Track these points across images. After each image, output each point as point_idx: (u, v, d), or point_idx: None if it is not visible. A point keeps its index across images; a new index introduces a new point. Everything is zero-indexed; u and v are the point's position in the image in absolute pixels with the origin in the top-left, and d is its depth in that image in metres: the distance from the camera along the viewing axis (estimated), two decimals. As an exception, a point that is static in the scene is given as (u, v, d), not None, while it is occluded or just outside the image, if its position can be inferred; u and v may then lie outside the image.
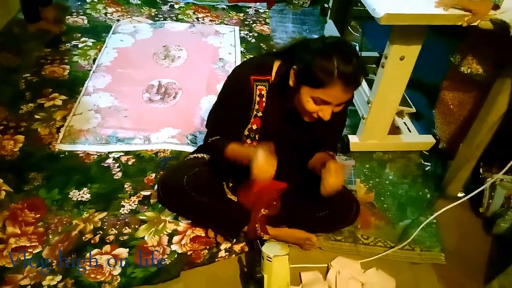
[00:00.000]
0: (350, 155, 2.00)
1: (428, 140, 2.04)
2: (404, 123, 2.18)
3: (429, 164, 2.01)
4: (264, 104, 1.32)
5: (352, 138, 1.99)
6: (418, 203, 1.81)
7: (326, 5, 2.97)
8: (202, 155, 1.58)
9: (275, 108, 1.33)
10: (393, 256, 1.60)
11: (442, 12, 1.45)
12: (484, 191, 1.70)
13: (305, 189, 1.47)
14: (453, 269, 1.58)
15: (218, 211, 1.48)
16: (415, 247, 1.64)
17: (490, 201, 1.69)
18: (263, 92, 1.32)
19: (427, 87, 2.39)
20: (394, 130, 2.12)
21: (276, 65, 1.31)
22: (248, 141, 1.39)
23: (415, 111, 2.17)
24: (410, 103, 2.18)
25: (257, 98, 1.32)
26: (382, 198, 1.82)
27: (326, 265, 1.55)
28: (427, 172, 1.97)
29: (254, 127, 1.36)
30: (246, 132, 1.37)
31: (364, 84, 1.99)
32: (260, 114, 1.34)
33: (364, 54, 2.52)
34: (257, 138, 1.38)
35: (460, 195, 1.83)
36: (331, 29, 2.63)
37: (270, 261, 1.27)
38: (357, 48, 2.69)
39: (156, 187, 1.53)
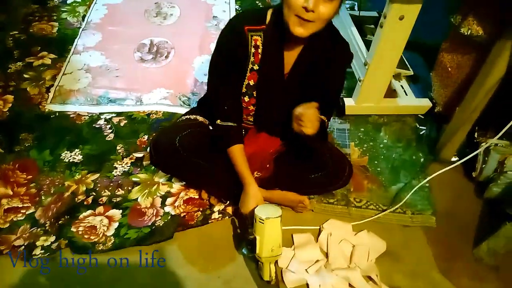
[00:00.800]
0: (345, 118, 1.98)
1: (424, 103, 2.02)
2: (401, 86, 2.14)
3: (424, 128, 2.00)
4: (260, 55, 1.29)
5: (348, 101, 1.96)
6: (412, 166, 1.81)
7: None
8: (195, 116, 1.55)
9: (272, 59, 1.30)
10: (385, 219, 1.61)
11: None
12: (478, 156, 1.70)
13: (298, 151, 1.46)
14: (443, 232, 1.61)
15: (211, 173, 1.47)
16: (406, 210, 1.65)
17: (484, 165, 1.69)
18: (258, 43, 1.28)
19: (425, 49, 2.32)
20: (391, 93, 2.08)
21: (269, 13, 1.27)
22: (246, 98, 1.36)
23: (412, 73, 2.13)
24: (408, 65, 2.13)
25: (252, 50, 1.29)
26: (376, 162, 1.82)
27: (318, 227, 1.56)
28: (422, 136, 1.96)
29: (251, 82, 1.33)
30: (244, 89, 1.35)
31: (361, 45, 1.94)
32: (256, 67, 1.31)
33: (362, 13, 2.44)
34: (254, 95, 1.35)
35: (454, 159, 1.84)
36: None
37: (263, 223, 1.27)
38: (356, 7, 2.62)
39: (148, 148, 1.51)
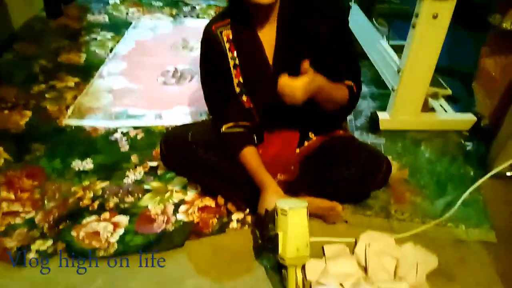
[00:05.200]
0: (380, 133, 1.81)
1: (468, 118, 1.82)
2: (440, 105, 1.97)
3: (470, 144, 1.78)
4: (235, 47, 1.22)
5: (382, 115, 1.80)
6: (460, 180, 1.58)
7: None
8: (210, 117, 1.43)
9: (247, 46, 1.21)
10: (434, 233, 1.36)
11: None
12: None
13: (328, 148, 1.29)
14: (505, 248, 1.33)
15: (227, 170, 1.31)
16: (459, 224, 1.40)
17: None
18: (230, 37, 1.21)
19: (460, 75, 2.20)
20: (429, 111, 1.91)
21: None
22: (244, 98, 1.26)
23: (451, 93, 1.97)
24: (445, 85, 1.99)
25: (227, 45, 1.22)
26: (418, 175, 1.60)
27: (354, 239, 1.33)
28: (469, 152, 1.74)
29: (241, 79, 1.24)
30: (237, 90, 1.25)
31: (392, 53, 1.83)
32: (237, 61, 1.22)
33: (392, 43, 2.37)
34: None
35: (508, 173, 1.60)
36: (358, 15, 2.50)
37: (285, 215, 1.07)
38: (385, 39, 2.55)
39: (159, 145, 1.38)
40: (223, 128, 1.28)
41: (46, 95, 1.95)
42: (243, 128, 1.29)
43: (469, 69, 1.93)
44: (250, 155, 1.27)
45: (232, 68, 1.25)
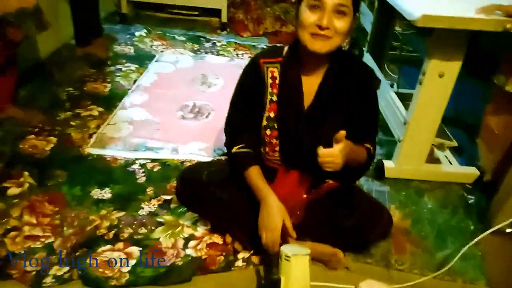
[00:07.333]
0: (384, 181, 1.88)
1: (471, 171, 1.89)
2: (445, 156, 2.04)
3: (472, 197, 1.84)
4: (278, 86, 1.29)
5: (387, 163, 1.88)
6: (460, 233, 1.63)
7: (363, 48, 3.00)
8: (225, 157, 1.52)
9: (290, 88, 1.29)
10: (431, 285, 1.41)
11: (482, 17, 1.40)
12: (537, 222, 1.52)
13: (331, 193, 1.37)
14: (501, 306, 1.38)
15: (236, 211, 1.39)
16: (456, 278, 1.45)
17: (544, 233, 1.50)
18: (276, 74, 1.29)
19: (467, 126, 2.27)
20: (434, 162, 1.98)
21: (286, 47, 1.32)
22: (268, 132, 1.34)
23: (456, 145, 2.04)
24: (451, 137, 2.06)
25: (270, 81, 1.30)
26: (419, 226, 1.66)
27: (353, 287, 1.38)
28: (470, 205, 1.79)
29: (272, 115, 1.32)
30: (264, 122, 1.33)
31: (399, 105, 1.92)
32: (275, 98, 1.30)
33: (401, 90, 2.46)
34: (276, 127, 1.32)
35: (508, 230, 1.64)
36: (369, 62, 2.61)
37: (289, 261, 1.14)
38: (395, 86, 2.65)
39: (175, 182, 1.47)
40: (234, 149, 1.37)
41: (71, 123, 2.07)
42: (251, 150, 1.37)
43: (476, 119, 1.96)
44: (255, 173, 1.34)
45: (268, 102, 1.33)
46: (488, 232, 1.50)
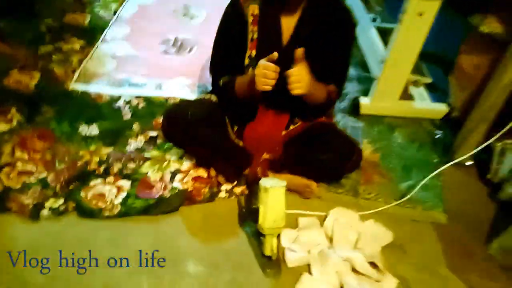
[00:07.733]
0: (359, 117, 1.98)
1: (441, 108, 2.00)
2: (419, 93, 2.13)
3: (440, 132, 1.97)
4: (258, 23, 1.33)
5: (363, 100, 1.97)
6: (424, 166, 1.78)
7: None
8: (209, 96, 1.59)
9: (269, 26, 1.33)
10: (394, 212, 1.58)
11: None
12: (493, 156, 1.67)
13: (308, 130, 1.47)
14: (453, 230, 1.55)
15: (221, 151, 1.49)
16: (416, 205, 1.62)
17: (499, 166, 1.65)
18: (256, 12, 1.33)
19: (445, 63, 2.33)
20: (408, 98, 2.08)
21: None
22: (250, 71, 1.38)
23: (431, 81, 2.12)
24: (427, 74, 2.13)
25: (251, 18, 1.33)
26: (388, 159, 1.80)
27: (324, 214, 1.54)
28: (437, 140, 1.93)
29: (253, 53, 1.36)
30: (246, 61, 1.38)
31: (378, 43, 1.96)
32: (256, 35, 1.34)
33: (385, 25, 2.48)
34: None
35: (468, 163, 1.80)
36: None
37: (267, 192, 1.27)
38: (378, 20, 2.65)
39: (161, 119, 1.55)
40: (221, 82, 1.44)
41: (53, 56, 2.07)
42: None
43: (454, 57, 1.95)
44: (239, 78, 1.38)
45: (249, 40, 1.37)
46: (449, 164, 1.65)
